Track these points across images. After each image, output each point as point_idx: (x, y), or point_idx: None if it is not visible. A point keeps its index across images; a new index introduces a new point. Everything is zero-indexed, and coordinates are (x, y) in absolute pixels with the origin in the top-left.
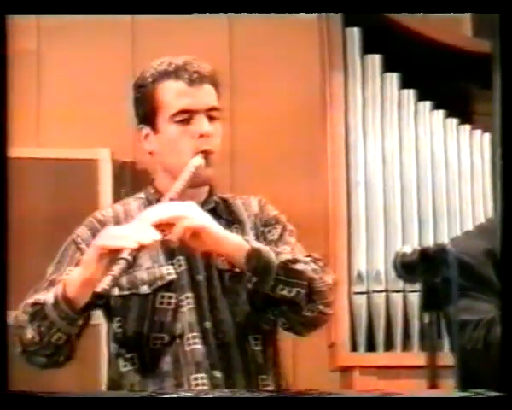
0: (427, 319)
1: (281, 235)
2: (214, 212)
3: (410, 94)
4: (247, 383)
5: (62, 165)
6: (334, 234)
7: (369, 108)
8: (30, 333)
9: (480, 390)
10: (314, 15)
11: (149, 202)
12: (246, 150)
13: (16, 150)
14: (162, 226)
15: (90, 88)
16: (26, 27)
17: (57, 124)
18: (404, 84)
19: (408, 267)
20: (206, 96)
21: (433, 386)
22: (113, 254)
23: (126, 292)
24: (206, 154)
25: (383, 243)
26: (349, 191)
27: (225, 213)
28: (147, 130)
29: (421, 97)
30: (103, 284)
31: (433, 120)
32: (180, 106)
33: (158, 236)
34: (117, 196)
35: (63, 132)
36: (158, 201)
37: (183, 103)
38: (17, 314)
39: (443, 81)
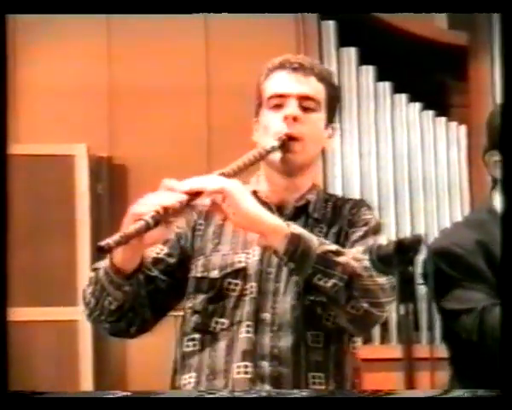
0: (402, 311)
1: (363, 237)
2: (305, 209)
3: (385, 87)
4: (294, 377)
5: (38, 161)
6: None
7: (345, 101)
8: (88, 297)
9: (474, 390)
10: None
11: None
12: (222, 143)
13: None
14: (198, 196)
15: (66, 84)
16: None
17: (33, 120)
18: (380, 76)
19: (384, 259)
20: (304, 84)
21: (409, 378)
22: None
23: (199, 275)
24: (288, 138)
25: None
26: (326, 184)
27: (317, 212)
28: (255, 120)
29: (397, 90)
30: (109, 239)
31: (409, 112)
32: (274, 90)
33: (183, 197)
34: (93, 192)
35: (39, 128)
36: (253, 190)
37: (277, 88)
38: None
39: (419, 74)
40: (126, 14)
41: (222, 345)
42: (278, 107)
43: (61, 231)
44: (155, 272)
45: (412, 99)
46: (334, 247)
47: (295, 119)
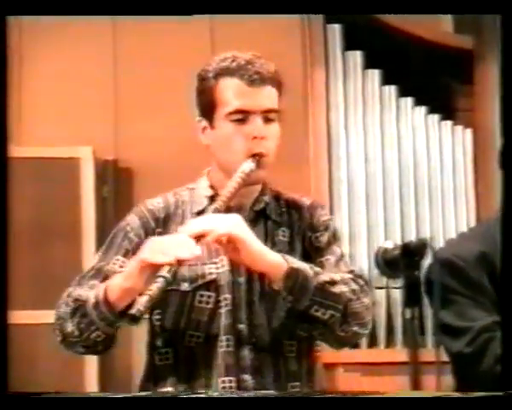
0: (408, 315)
1: (328, 243)
2: (263, 212)
3: (391, 90)
4: (276, 388)
5: (44, 163)
6: None
7: (350, 105)
8: (70, 327)
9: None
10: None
11: (199, 195)
12: None
13: None
14: (203, 238)
15: (71, 86)
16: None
17: (38, 122)
18: (386, 80)
19: (390, 263)
20: (264, 97)
21: (415, 382)
22: (153, 269)
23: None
24: (258, 156)
25: (366, 240)
26: (331, 187)
27: (275, 214)
28: (205, 123)
29: (402, 94)
30: (139, 305)
31: (415, 116)
32: (237, 105)
33: (198, 250)
34: (99, 195)
35: (44, 131)
36: (211, 195)
37: (240, 103)
38: (60, 304)
39: (424, 77)
40: (132, 16)
41: (199, 359)
42: (241, 121)
43: (67, 234)
44: None
45: (418, 103)
46: (327, 276)
47: (262, 138)
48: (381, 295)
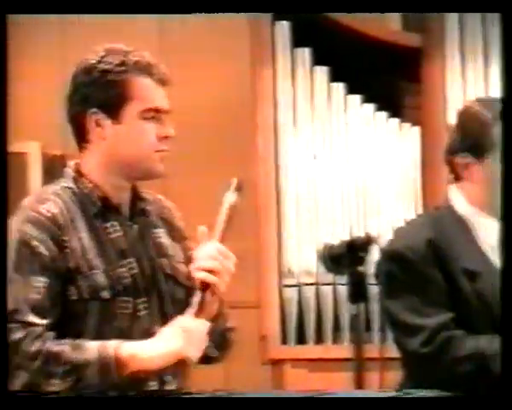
0: (354, 311)
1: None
2: (142, 209)
3: (339, 87)
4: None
5: None
6: (265, 228)
7: (298, 102)
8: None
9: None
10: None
11: (82, 194)
12: (175, 144)
13: None
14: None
15: (19, 81)
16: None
17: None
18: (334, 77)
19: (335, 259)
20: (166, 98)
21: (359, 378)
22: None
23: (87, 296)
24: (238, 186)
25: (314, 236)
26: (279, 185)
27: (152, 212)
28: (102, 116)
29: (350, 91)
30: None
31: (363, 113)
32: (151, 104)
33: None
34: None
35: None
36: (92, 193)
37: (153, 102)
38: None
39: (373, 75)
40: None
41: None
42: (151, 119)
43: None
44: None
45: (366, 100)
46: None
47: (171, 137)
48: (328, 291)
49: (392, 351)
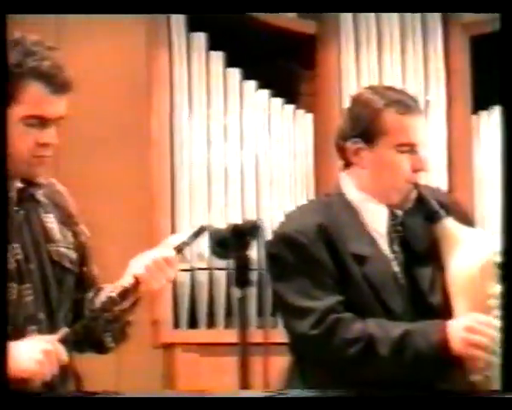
0: (239, 295)
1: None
2: (32, 197)
3: (235, 73)
4: None
5: None
6: (159, 212)
7: (194, 87)
8: None
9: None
10: None
11: None
12: (72, 128)
13: None
14: None
15: None
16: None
17: None
18: (230, 63)
19: (221, 243)
20: (61, 105)
21: (243, 362)
22: None
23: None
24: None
25: (207, 221)
26: (173, 170)
27: (44, 197)
28: None
29: (246, 77)
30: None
31: (258, 99)
32: (37, 112)
33: None
34: None
35: None
36: None
37: (41, 110)
38: None
39: (268, 61)
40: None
41: None
42: (34, 126)
43: None
44: None
45: (261, 86)
46: None
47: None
48: (220, 276)
49: (278, 336)
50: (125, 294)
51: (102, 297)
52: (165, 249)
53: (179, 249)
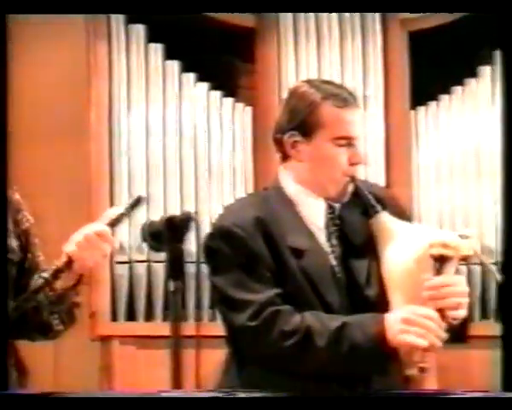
0: (172, 288)
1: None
2: None
3: (174, 65)
4: None
5: None
6: (96, 203)
7: (133, 79)
8: None
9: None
10: None
11: None
12: (13, 118)
13: None
14: None
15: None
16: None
17: None
18: (169, 55)
19: (155, 236)
20: None
21: (176, 356)
22: None
23: None
24: None
25: (145, 214)
26: (112, 161)
27: None
28: None
29: (185, 69)
30: None
31: (197, 92)
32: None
33: None
34: None
35: None
36: None
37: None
38: None
39: (207, 54)
40: None
41: None
42: None
43: None
44: None
45: (200, 79)
46: None
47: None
48: (159, 269)
49: (211, 329)
50: (57, 273)
51: (37, 279)
52: (98, 224)
53: (117, 221)
